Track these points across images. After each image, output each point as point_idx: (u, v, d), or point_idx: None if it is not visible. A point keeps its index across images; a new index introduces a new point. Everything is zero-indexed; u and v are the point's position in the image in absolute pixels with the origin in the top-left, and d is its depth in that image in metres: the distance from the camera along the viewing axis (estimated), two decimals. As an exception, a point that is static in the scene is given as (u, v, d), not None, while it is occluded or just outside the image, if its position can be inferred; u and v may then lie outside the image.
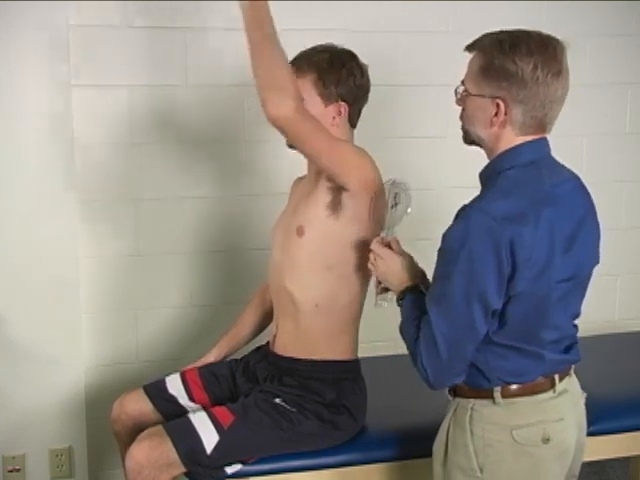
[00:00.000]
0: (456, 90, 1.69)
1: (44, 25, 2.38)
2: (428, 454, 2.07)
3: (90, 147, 2.53)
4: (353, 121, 2.06)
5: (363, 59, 2.63)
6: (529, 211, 1.56)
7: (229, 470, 1.95)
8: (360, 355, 2.11)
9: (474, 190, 2.82)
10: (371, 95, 2.69)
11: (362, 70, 2.03)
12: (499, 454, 1.63)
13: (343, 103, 2.00)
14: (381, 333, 2.72)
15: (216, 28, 2.56)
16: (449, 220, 3.08)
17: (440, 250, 1.65)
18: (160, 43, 2.53)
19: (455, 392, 1.72)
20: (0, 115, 2.40)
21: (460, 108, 1.70)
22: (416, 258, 2.89)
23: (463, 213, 1.60)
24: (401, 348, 2.81)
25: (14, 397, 2.52)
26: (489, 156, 1.69)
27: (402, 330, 1.74)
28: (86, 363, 2.60)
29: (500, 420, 1.63)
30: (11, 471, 2.56)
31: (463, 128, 1.71)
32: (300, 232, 1.98)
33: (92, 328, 2.60)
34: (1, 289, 2.47)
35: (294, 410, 1.95)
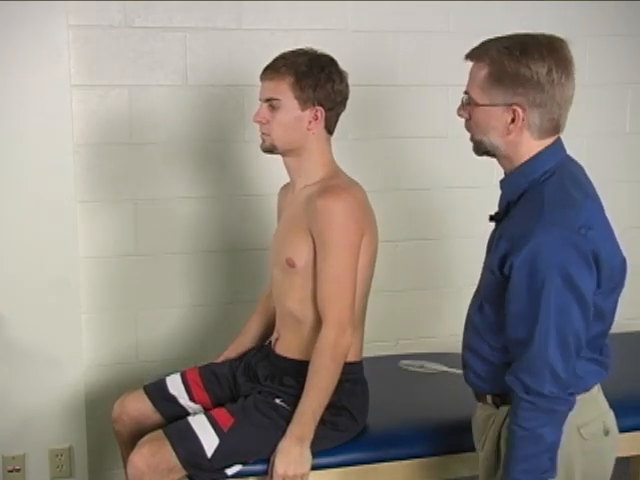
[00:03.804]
0: (462, 100, 1.66)
1: (44, 25, 2.37)
2: (428, 454, 2.08)
3: (90, 147, 2.53)
4: (330, 127, 2.03)
5: (363, 59, 2.65)
6: (597, 215, 1.58)
7: (229, 471, 1.95)
8: (360, 355, 2.11)
9: (474, 190, 2.84)
10: (371, 95, 2.71)
11: (341, 76, 2.00)
12: (570, 455, 1.60)
13: (320, 108, 1.97)
14: (381, 333, 2.73)
15: (216, 28, 2.56)
16: (449, 220, 3.09)
17: (517, 284, 1.54)
18: (160, 43, 2.53)
19: (503, 400, 1.68)
20: (0, 115, 2.40)
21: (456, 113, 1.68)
22: (416, 258, 2.91)
23: (530, 236, 1.51)
24: (402, 348, 2.83)
25: (14, 397, 2.52)
26: (507, 164, 1.66)
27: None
28: (86, 363, 2.60)
29: (567, 421, 1.59)
30: (11, 471, 2.55)
31: (473, 139, 1.67)
32: (291, 263, 1.99)
33: (92, 328, 2.60)
34: (1, 289, 2.46)
35: (294, 411, 1.95)
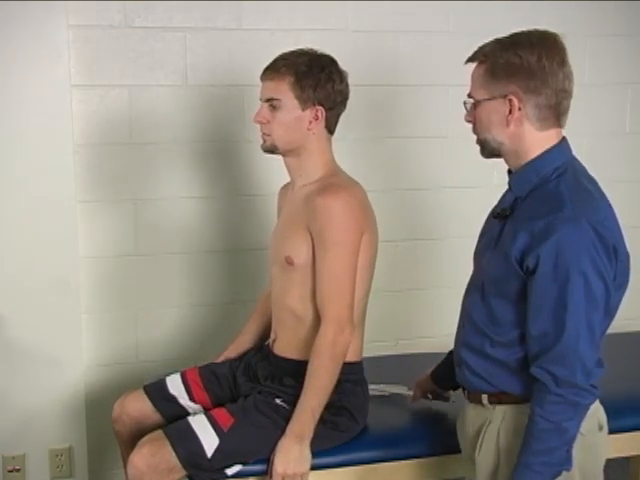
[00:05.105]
0: (465, 104, 1.69)
1: (44, 25, 2.37)
2: (428, 454, 2.08)
3: (90, 147, 2.53)
4: (331, 127, 2.03)
5: (363, 59, 2.65)
6: (611, 211, 1.60)
7: (229, 471, 1.95)
8: (360, 355, 2.11)
9: (474, 190, 2.84)
10: (371, 95, 2.71)
11: (342, 76, 2.01)
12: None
13: (320, 108, 1.97)
14: (381, 333, 2.73)
15: (216, 28, 2.56)
16: (449, 220, 3.09)
17: (544, 276, 1.55)
18: (160, 43, 2.53)
19: (500, 400, 1.69)
20: (0, 115, 2.40)
21: (459, 112, 1.70)
22: (415, 258, 2.91)
23: (555, 229, 1.53)
24: (401, 348, 2.83)
25: (14, 397, 2.52)
26: (514, 161, 1.67)
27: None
28: (86, 363, 2.60)
29: None
30: (11, 471, 2.56)
31: (479, 140, 1.69)
32: (290, 261, 1.99)
33: (92, 328, 2.60)
34: (1, 289, 2.47)
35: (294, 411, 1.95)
